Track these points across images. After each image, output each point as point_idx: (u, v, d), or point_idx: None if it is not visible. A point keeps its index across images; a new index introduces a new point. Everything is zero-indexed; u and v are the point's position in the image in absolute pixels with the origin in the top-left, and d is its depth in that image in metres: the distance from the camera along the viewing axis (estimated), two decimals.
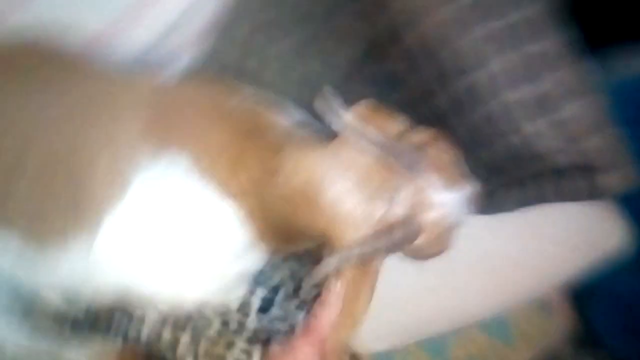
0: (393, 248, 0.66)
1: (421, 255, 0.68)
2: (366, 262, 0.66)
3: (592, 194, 0.70)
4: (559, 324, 0.87)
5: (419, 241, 0.65)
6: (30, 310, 0.77)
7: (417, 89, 0.74)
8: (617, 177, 0.69)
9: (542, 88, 0.69)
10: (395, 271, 0.74)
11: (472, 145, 0.71)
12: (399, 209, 0.65)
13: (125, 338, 0.79)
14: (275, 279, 0.79)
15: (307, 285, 0.69)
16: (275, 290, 0.75)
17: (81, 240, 0.71)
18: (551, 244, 0.77)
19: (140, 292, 0.73)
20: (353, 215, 0.66)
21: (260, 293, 0.73)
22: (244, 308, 0.74)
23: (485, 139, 0.72)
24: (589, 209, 0.78)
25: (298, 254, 0.75)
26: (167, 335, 0.81)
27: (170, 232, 0.72)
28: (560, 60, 0.69)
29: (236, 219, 0.71)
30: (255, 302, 0.73)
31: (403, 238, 0.65)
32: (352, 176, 0.67)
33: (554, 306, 0.87)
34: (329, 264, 0.64)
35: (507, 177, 0.74)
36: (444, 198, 0.66)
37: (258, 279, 0.78)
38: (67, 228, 0.71)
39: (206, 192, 0.71)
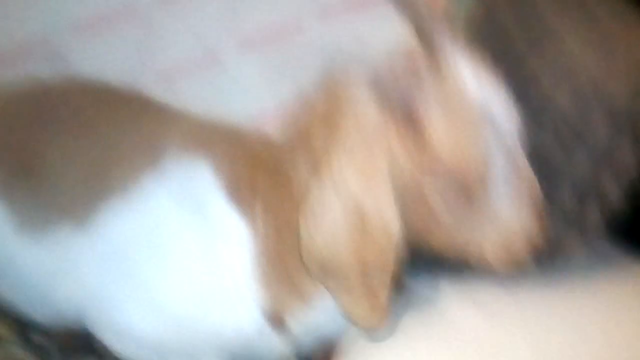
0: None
1: (442, 168, 0.59)
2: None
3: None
4: None
5: (434, 127, 0.57)
6: None
7: None
8: None
9: None
10: None
11: None
12: None
13: None
14: None
15: None
16: None
17: (64, 229, 0.70)
18: None
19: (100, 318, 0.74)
20: None
21: None
22: None
23: None
24: None
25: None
26: None
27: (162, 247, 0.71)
28: None
29: (243, 243, 0.69)
30: None
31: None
32: None
33: None
34: None
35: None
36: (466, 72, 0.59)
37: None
38: (56, 212, 0.71)
39: (219, 202, 0.70)
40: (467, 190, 0.57)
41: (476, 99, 0.57)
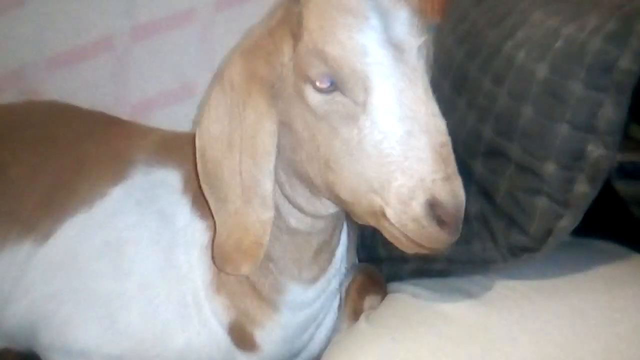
0: None
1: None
2: None
3: None
4: None
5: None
6: None
7: None
8: None
9: None
10: None
11: None
12: None
13: None
14: None
15: None
16: None
17: (24, 246, 0.69)
18: None
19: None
20: None
21: None
22: None
23: None
24: None
25: None
26: None
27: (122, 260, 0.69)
28: None
29: (204, 251, 0.68)
30: None
31: None
32: None
33: None
34: None
35: None
36: None
37: None
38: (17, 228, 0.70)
39: (185, 210, 0.70)
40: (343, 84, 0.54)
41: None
